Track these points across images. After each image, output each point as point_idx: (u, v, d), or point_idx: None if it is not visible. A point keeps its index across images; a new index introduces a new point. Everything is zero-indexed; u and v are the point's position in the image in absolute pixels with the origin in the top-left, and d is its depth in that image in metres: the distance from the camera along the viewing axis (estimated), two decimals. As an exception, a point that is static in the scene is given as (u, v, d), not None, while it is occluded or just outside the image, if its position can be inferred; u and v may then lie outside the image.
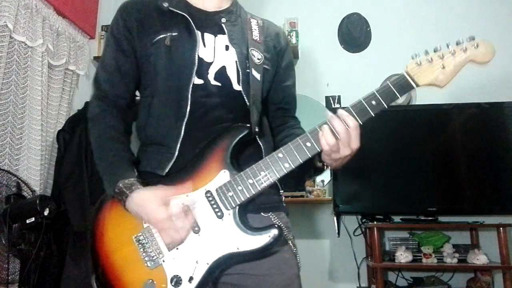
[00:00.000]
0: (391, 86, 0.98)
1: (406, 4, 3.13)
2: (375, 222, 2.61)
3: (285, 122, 1.25)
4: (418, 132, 2.75)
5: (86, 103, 2.82)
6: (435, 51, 0.98)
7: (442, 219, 2.64)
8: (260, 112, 1.14)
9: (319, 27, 3.19)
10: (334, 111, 0.99)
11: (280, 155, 1.00)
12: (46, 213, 1.99)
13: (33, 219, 1.99)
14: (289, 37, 3.02)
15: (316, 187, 2.85)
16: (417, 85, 0.98)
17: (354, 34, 3.16)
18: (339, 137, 0.96)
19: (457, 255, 2.49)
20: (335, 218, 2.81)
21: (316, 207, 2.95)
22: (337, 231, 2.81)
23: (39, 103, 2.51)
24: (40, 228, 2.00)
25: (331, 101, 3.02)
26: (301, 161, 0.99)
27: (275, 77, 1.21)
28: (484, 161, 2.65)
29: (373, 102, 0.97)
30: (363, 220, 2.74)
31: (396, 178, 2.70)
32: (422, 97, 2.88)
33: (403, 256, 2.50)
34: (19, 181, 2.19)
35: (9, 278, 2.00)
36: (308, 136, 1.00)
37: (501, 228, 2.45)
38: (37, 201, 2.00)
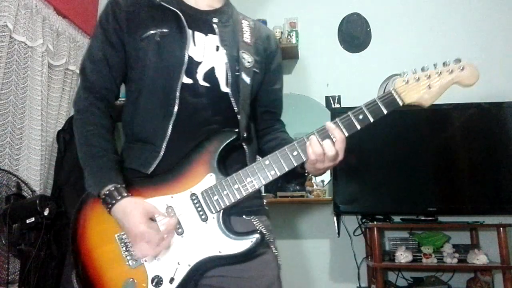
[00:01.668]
0: (378, 102, 1.01)
1: (406, 4, 3.13)
2: (375, 222, 2.61)
3: (271, 125, 1.26)
4: (418, 132, 2.75)
5: (86, 103, 2.82)
6: (422, 70, 1.02)
7: (442, 219, 2.64)
8: (248, 116, 1.14)
9: (319, 27, 3.19)
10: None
11: (267, 162, 1.02)
12: (46, 213, 1.99)
13: (33, 219, 1.99)
14: (289, 37, 3.02)
15: (316, 187, 2.85)
16: (403, 103, 1.01)
17: (354, 34, 3.16)
18: (327, 151, 0.98)
19: (457, 255, 2.49)
20: (335, 218, 2.81)
21: (316, 207, 2.95)
22: (337, 231, 2.81)
23: (39, 103, 2.51)
24: (40, 228, 2.00)
25: (331, 101, 3.01)
26: (286, 169, 1.01)
27: (263, 79, 1.21)
28: (484, 161, 2.65)
29: (360, 117, 1.00)
30: (363, 220, 2.74)
31: (396, 178, 2.69)
32: (422, 97, 2.87)
33: (403, 256, 2.49)
34: (19, 181, 2.19)
35: (9, 278, 2.00)
36: (295, 145, 1.02)
37: (501, 228, 2.45)
38: (37, 201, 2.00)
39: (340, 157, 1.01)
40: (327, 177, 2.89)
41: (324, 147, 0.98)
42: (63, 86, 2.79)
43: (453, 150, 2.73)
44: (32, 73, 2.49)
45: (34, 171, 2.46)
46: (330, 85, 3.09)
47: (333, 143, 0.99)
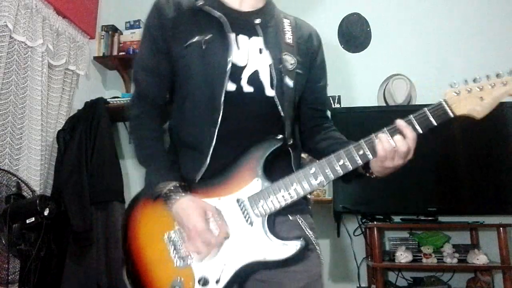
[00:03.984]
0: (428, 113, 0.99)
1: (406, 4, 3.13)
2: (375, 222, 2.61)
3: (320, 123, 1.25)
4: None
5: (86, 103, 2.82)
6: (474, 81, 0.99)
7: (442, 219, 2.63)
8: (293, 121, 1.14)
9: (319, 27, 3.17)
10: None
11: (313, 170, 1.02)
12: (46, 213, 1.99)
13: (33, 219, 1.99)
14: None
15: (316, 187, 2.85)
16: (454, 115, 0.98)
17: (354, 34, 3.16)
18: (399, 146, 0.99)
19: (457, 255, 2.49)
20: (335, 218, 2.81)
21: (316, 207, 2.94)
22: (337, 231, 2.81)
23: (39, 103, 2.51)
24: (40, 228, 2.00)
25: (331, 101, 3.01)
26: (350, 169, 1.03)
27: (307, 79, 1.20)
28: (484, 161, 2.65)
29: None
30: (363, 220, 2.74)
31: (396, 178, 2.65)
32: (422, 97, 2.88)
33: (403, 256, 2.49)
34: (19, 181, 2.18)
35: (9, 278, 1.99)
36: (362, 144, 1.02)
37: (501, 228, 2.45)
38: (37, 201, 2.00)
39: (411, 155, 1.02)
40: (327, 177, 2.89)
41: (396, 142, 0.99)
42: (63, 86, 2.79)
43: (453, 150, 2.73)
44: (32, 73, 2.49)
45: (34, 171, 2.46)
46: (330, 85, 3.08)
47: (404, 138, 0.99)
